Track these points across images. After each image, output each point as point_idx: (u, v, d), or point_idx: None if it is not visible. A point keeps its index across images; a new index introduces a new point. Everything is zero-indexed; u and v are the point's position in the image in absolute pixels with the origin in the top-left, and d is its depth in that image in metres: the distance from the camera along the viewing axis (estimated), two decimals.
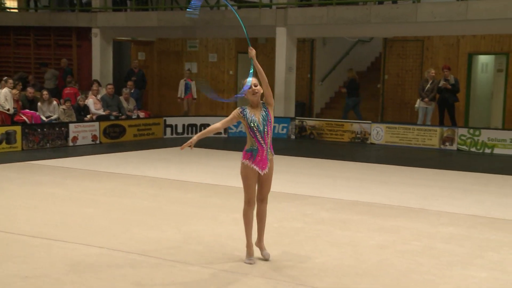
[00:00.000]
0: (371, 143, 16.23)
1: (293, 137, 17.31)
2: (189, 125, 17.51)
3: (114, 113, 16.39)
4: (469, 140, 15.14)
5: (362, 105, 18.76)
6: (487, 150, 14.89)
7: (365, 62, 21.51)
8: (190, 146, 5.74)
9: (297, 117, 17.62)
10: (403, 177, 11.28)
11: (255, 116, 5.81)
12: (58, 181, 10.24)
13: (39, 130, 14.39)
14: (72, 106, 15.64)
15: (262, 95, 5.89)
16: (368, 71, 21.34)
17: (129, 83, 18.12)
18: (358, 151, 15.28)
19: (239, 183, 6.11)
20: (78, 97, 16.37)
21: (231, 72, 20.77)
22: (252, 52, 5.86)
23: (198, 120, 17.62)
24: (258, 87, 5.83)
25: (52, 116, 15.21)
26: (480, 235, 7.20)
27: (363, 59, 21.36)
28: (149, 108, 20.67)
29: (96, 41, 19.80)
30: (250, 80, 5.81)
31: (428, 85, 16.18)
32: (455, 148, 15.28)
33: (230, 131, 17.45)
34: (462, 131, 15.34)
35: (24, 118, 14.72)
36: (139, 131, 16.66)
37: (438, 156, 14.57)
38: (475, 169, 12.26)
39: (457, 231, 7.36)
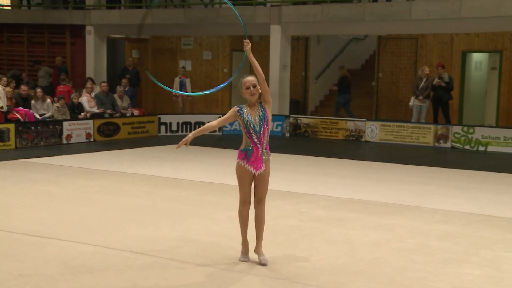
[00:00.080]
0: (366, 141, 16.24)
1: (287, 135, 17.30)
2: (183, 123, 17.47)
3: (108, 111, 16.35)
4: (463, 138, 15.17)
5: (357, 103, 18.77)
6: (481, 148, 14.92)
7: (359, 60, 21.52)
8: (185, 144, 5.72)
9: (291, 115, 17.61)
10: (398, 175, 11.30)
11: (252, 116, 5.72)
12: (52, 179, 10.21)
13: (33, 128, 14.35)
14: (66, 104, 15.60)
15: (260, 95, 5.81)
16: (362, 69, 21.35)
17: (123, 81, 18.07)
18: (352, 149, 15.28)
19: (234, 181, 6.09)
20: (72, 95, 16.35)
21: (225, 70, 20.75)
22: (248, 45, 5.77)
23: (192, 118, 17.58)
24: (257, 87, 5.74)
25: (46, 114, 15.17)
26: (475, 233, 7.21)
27: (357, 57, 21.37)
28: (143, 106, 20.63)
29: (90, 39, 19.75)
30: (250, 78, 5.73)
31: (422, 83, 16.20)
32: (449, 146, 15.31)
33: (224, 129, 17.41)
34: (456, 128, 15.37)
35: (18, 116, 14.66)
36: (133, 129, 16.62)
37: (432, 154, 14.60)
38: (470, 167, 12.30)
39: (452, 228, 7.38)
